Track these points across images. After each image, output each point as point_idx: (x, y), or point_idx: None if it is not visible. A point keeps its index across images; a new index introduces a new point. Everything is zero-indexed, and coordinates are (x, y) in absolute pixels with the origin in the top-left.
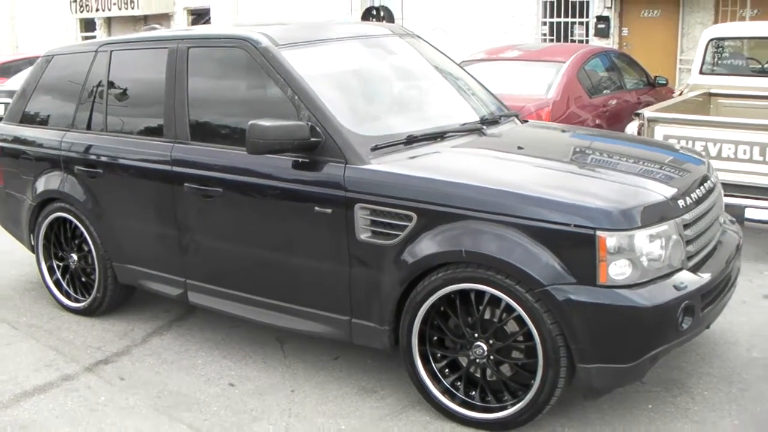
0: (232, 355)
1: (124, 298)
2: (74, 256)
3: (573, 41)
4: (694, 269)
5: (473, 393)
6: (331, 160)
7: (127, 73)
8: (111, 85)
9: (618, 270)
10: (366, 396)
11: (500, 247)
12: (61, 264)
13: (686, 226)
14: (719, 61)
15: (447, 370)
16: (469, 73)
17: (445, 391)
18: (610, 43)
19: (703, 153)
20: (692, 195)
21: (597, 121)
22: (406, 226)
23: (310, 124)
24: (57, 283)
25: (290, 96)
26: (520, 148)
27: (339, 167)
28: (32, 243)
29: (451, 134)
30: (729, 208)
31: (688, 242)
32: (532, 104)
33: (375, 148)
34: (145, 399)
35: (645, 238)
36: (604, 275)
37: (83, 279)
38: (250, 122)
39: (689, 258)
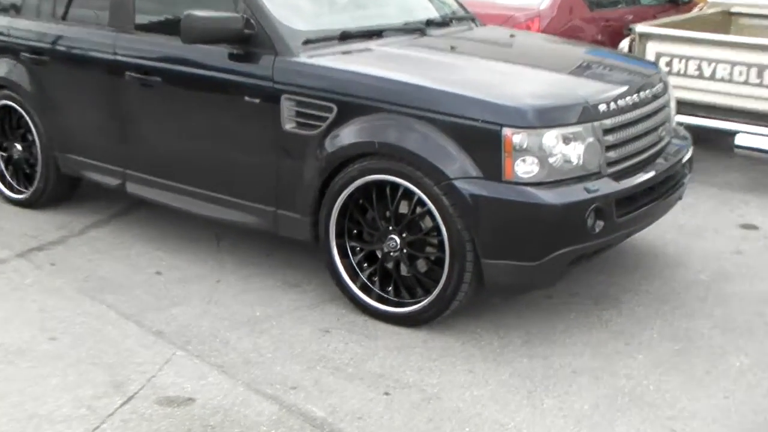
0: (166, 247)
1: (67, 191)
2: (18, 146)
3: None
4: (616, 176)
5: (389, 289)
6: (263, 51)
7: None
8: None
9: (525, 168)
10: (288, 289)
11: (411, 139)
12: (5, 155)
13: (608, 131)
14: None
15: (365, 264)
16: None
17: (363, 287)
18: None
19: (697, 72)
20: (621, 101)
21: (600, 37)
22: (326, 118)
23: (245, 16)
24: (0, 175)
25: None
26: (452, 48)
27: (269, 59)
28: None
29: (390, 33)
30: (718, 133)
31: (610, 148)
32: (522, 14)
33: (307, 42)
34: (72, 282)
35: (554, 138)
36: (509, 172)
37: (26, 170)
38: (186, 12)
39: (610, 164)
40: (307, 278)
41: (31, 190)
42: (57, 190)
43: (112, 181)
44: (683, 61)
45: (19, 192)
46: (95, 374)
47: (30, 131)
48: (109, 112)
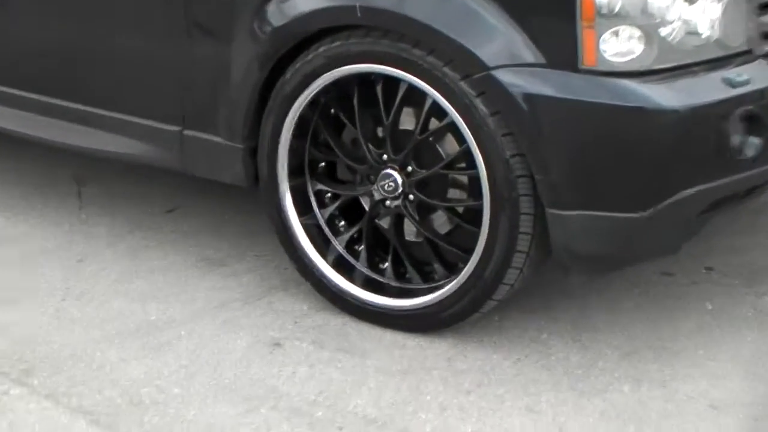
0: None
1: None
2: None
3: None
4: None
5: (384, 266)
6: None
7: None
8: None
9: (618, 46)
10: (209, 271)
11: None
12: None
13: None
14: None
15: (342, 223)
16: None
17: (338, 263)
18: None
19: None
20: None
21: None
22: None
23: None
24: None
25: None
26: None
27: None
28: None
29: None
30: None
31: (767, 7)
32: None
33: None
34: None
35: None
36: (591, 53)
37: None
38: None
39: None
40: (239, 254)
41: None
42: None
43: None
44: None
45: None
46: None
47: None
48: None
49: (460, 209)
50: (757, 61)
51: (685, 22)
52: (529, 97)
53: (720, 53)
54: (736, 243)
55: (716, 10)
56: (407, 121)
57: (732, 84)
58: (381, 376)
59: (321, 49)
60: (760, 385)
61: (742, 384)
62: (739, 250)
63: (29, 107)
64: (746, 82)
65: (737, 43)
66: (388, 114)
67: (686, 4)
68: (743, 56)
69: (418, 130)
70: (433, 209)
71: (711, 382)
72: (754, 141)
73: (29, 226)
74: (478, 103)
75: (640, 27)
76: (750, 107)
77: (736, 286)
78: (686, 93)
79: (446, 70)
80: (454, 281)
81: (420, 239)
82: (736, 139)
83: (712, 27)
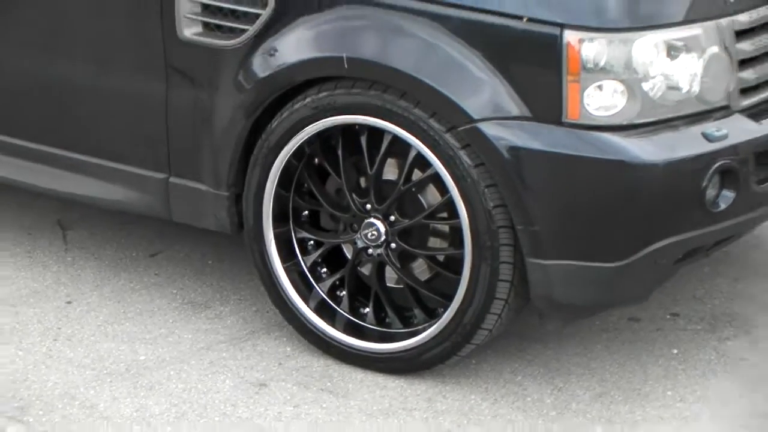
0: None
1: None
2: None
3: None
4: (755, 113)
5: (366, 311)
6: None
7: None
8: None
9: (602, 100)
10: (194, 313)
11: (404, 51)
12: None
13: (742, 34)
14: None
15: (324, 269)
16: None
17: (321, 308)
18: None
19: None
20: None
21: None
22: (257, 16)
23: None
24: None
25: None
26: None
27: None
28: None
29: None
30: None
31: (746, 63)
32: None
33: None
34: None
35: (654, 49)
36: (575, 107)
37: None
38: None
39: (745, 91)
40: (223, 297)
41: None
42: None
43: None
44: None
45: None
46: None
47: None
48: None
49: (441, 258)
50: (734, 116)
51: (667, 77)
52: (514, 150)
53: (700, 108)
54: (698, 291)
55: (697, 66)
56: (390, 171)
57: (710, 138)
58: (364, 416)
59: (307, 100)
60: (726, 425)
61: (710, 425)
62: (702, 297)
63: (15, 153)
64: (724, 137)
65: (717, 98)
66: (372, 164)
67: (668, 59)
68: (722, 111)
69: (401, 181)
70: (414, 257)
71: (680, 423)
72: (728, 194)
73: (16, 269)
74: (462, 155)
75: (623, 81)
76: (726, 161)
77: (700, 331)
78: (666, 147)
79: (431, 122)
80: (434, 326)
81: (401, 285)
82: (711, 192)
83: (693, 82)
